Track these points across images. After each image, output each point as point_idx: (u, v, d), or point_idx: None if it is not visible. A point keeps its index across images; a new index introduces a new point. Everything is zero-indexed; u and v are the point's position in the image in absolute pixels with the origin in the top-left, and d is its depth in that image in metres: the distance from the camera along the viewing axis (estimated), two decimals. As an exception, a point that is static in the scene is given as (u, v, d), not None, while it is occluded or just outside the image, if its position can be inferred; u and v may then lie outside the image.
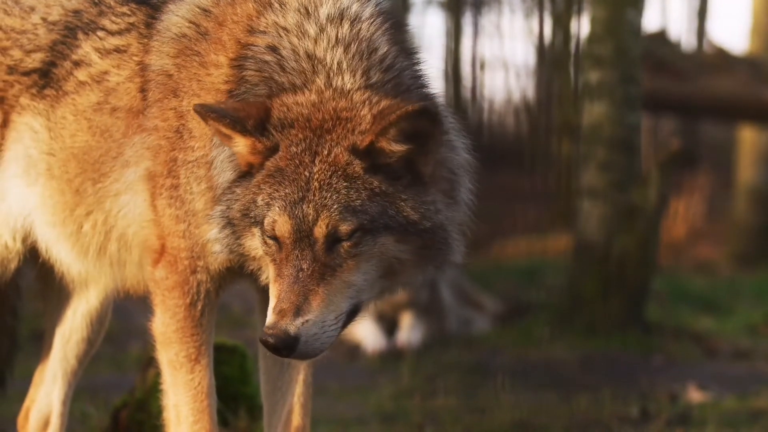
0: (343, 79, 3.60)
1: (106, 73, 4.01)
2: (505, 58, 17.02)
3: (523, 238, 13.78)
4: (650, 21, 16.51)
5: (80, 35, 4.09)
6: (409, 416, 6.33)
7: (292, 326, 3.43)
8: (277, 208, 3.49)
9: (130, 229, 3.96)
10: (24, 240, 4.19)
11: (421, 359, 8.20)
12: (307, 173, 3.49)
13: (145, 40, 3.97)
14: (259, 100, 3.62)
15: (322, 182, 3.48)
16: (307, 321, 3.44)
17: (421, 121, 3.46)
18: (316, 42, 3.65)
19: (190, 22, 3.89)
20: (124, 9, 4.07)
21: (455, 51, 17.34)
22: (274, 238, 3.51)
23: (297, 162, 3.51)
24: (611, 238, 8.46)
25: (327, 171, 3.49)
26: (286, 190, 3.49)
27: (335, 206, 3.45)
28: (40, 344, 4.60)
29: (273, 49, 3.68)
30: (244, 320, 8.69)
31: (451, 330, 9.18)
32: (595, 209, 8.51)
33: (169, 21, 3.93)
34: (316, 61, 3.62)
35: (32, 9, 4.18)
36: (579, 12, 14.27)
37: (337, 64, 3.61)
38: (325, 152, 3.50)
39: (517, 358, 7.99)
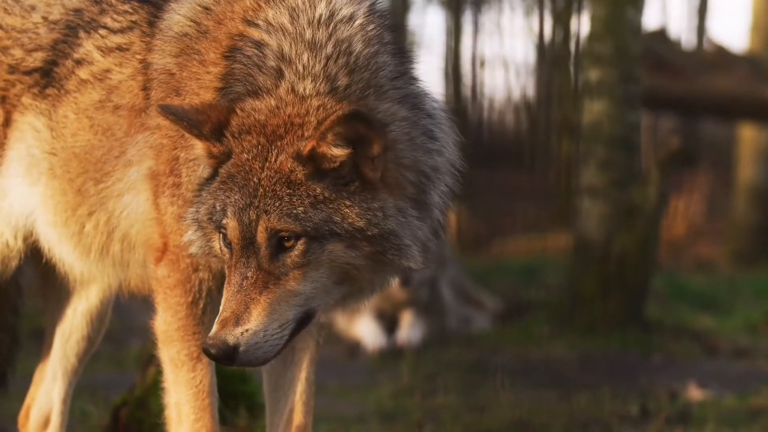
0: (304, 84, 3.57)
1: (108, 71, 4.01)
2: (505, 57, 17.05)
3: (523, 236, 13.78)
4: (650, 19, 16.57)
5: (81, 34, 4.09)
6: (409, 415, 6.32)
7: (231, 336, 3.43)
8: (229, 213, 3.50)
9: (134, 228, 3.95)
10: (25, 239, 4.18)
11: (421, 358, 8.20)
12: (255, 180, 3.49)
13: (148, 39, 3.97)
14: (225, 104, 3.62)
15: (266, 189, 3.47)
16: (246, 330, 3.44)
17: (356, 125, 3.43)
18: (292, 43, 3.63)
19: (192, 20, 3.88)
20: (126, 7, 4.07)
21: (455, 49, 17.36)
22: (229, 244, 3.51)
23: (247, 169, 3.51)
24: (611, 236, 8.45)
25: (272, 178, 3.48)
26: (236, 196, 3.50)
27: (275, 212, 3.44)
28: (40, 342, 4.60)
29: (258, 45, 3.66)
30: (244, 318, 8.65)
31: (451, 328, 9.18)
32: (594, 208, 8.50)
33: (171, 19, 3.92)
34: (287, 64, 3.60)
35: (33, 8, 4.18)
36: (579, 10, 14.27)
37: (303, 68, 3.59)
38: (273, 159, 3.49)
39: (516, 357, 7.98)
